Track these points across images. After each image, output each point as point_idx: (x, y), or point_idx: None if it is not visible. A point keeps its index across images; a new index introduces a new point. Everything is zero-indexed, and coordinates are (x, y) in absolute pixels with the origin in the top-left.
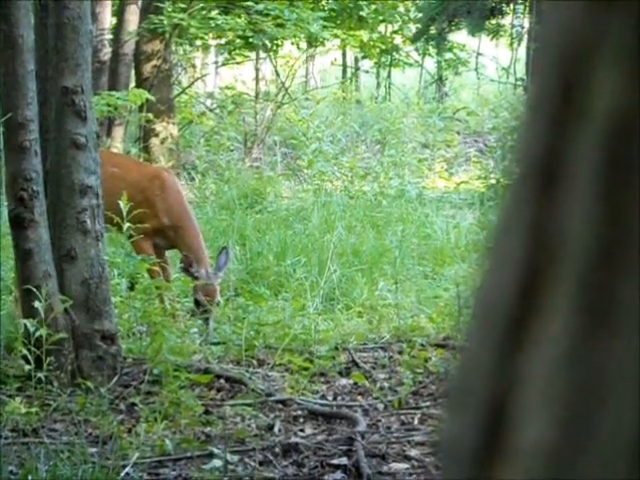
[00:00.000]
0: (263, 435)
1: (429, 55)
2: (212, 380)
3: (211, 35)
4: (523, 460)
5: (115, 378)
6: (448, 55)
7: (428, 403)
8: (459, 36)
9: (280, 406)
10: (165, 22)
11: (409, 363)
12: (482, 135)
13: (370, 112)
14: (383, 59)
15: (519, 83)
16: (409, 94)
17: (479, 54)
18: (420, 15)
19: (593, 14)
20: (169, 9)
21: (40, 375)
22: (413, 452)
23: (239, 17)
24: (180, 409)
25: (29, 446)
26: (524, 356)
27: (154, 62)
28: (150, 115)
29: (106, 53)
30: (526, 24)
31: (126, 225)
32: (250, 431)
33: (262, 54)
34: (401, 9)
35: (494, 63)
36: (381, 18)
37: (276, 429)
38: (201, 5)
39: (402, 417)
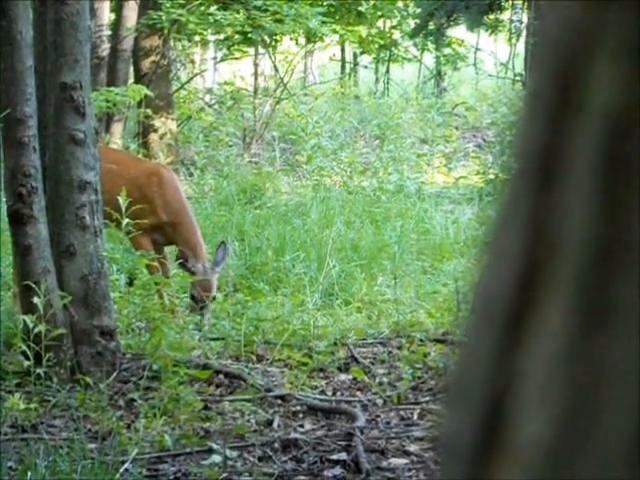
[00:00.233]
0: (262, 430)
1: (428, 50)
2: (211, 376)
3: (210, 31)
4: (522, 455)
5: (114, 374)
6: (447, 50)
7: (427, 398)
8: (458, 31)
9: (279, 401)
10: (164, 18)
11: (408, 358)
12: (481, 130)
13: (369, 107)
14: (382, 54)
15: (517, 78)
16: (408, 89)
17: (478, 49)
18: (419, 10)
19: (591, 10)
20: (167, 5)
21: (39, 371)
22: (412, 447)
23: (238, 13)
24: (179, 405)
25: (28, 442)
26: (523, 350)
27: (153, 58)
28: (149, 111)
29: (105, 49)
30: (525, 19)
31: (125, 221)
32: (249, 427)
33: (261, 50)
34: (400, 4)
35: (493, 58)
36: (380, 13)
37: (275, 424)
38: (199, 1)
39: (401, 412)
